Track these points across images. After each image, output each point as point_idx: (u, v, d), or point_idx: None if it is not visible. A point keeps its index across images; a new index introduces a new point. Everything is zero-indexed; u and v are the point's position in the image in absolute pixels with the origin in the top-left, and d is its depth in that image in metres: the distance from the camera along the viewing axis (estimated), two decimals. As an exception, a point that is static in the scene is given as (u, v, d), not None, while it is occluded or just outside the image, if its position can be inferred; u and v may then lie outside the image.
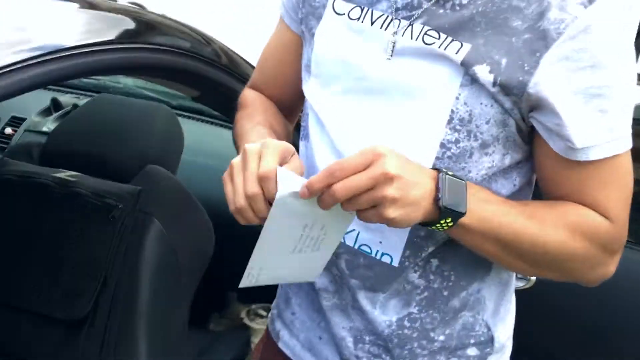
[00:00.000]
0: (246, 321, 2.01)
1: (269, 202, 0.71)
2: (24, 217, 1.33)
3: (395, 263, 0.85)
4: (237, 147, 0.95)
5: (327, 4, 0.88)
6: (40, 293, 1.26)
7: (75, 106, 2.08)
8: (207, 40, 1.28)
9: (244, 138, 0.89)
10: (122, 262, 1.23)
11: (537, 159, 0.84)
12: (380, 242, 0.86)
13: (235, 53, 1.36)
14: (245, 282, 0.77)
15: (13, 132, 2.05)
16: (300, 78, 0.95)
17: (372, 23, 0.83)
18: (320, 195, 0.70)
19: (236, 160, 0.75)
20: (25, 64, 0.85)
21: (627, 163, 0.80)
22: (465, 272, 0.88)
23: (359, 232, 0.86)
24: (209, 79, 1.24)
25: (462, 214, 0.74)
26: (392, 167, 0.68)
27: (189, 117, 2.14)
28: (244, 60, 1.38)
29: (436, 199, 0.73)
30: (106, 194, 1.29)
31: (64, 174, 1.34)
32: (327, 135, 0.87)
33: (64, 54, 0.91)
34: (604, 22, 0.73)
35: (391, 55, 0.81)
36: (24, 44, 0.87)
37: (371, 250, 0.86)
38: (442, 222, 0.74)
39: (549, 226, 0.78)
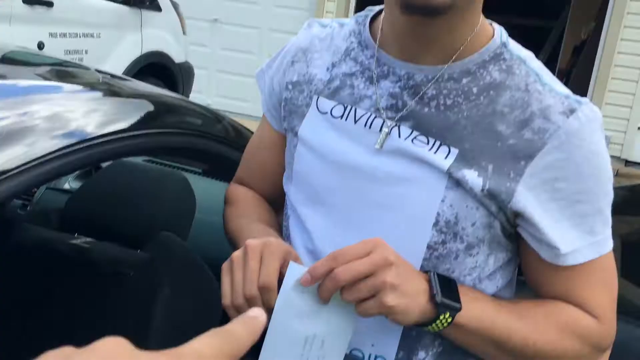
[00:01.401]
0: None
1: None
2: (41, 283, 1.38)
3: None
4: (233, 244, 0.94)
5: (311, 102, 0.88)
6: None
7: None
8: (218, 118, 1.35)
9: (242, 235, 0.87)
10: (133, 330, 1.28)
11: (524, 261, 0.86)
12: (373, 345, 0.84)
13: (242, 127, 1.43)
14: None
15: (35, 190, 2.13)
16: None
17: (355, 121, 0.84)
18: (322, 283, 0.71)
19: (237, 255, 0.75)
20: (59, 153, 0.91)
21: (611, 262, 0.83)
22: None
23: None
24: (218, 155, 1.30)
25: (459, 309, 0.75)
26: (392, 255, 0.71)
27: (204, 175, 2.20)
28: (251, 132, 1.45)
29: (432, 296, 0.74)
30: (119, 262, 1.35)
31: (80, 241, 1.40)
32: (310, 239, 0.86)
33: (91, 143, 0.97)
34: (585, 131, 0.77)
35: (380, 149, 0.81)
36: (57, 132, 0.94)
37: (363, 355, 0.84)
38: (440, 318, 0.75)
39: (540, 325, 0.80)
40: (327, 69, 0.89)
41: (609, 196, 0.80)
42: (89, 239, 1.41)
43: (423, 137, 0.80)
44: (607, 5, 6.50)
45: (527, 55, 0.83)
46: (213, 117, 1.34)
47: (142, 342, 1.35)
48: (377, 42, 0.86)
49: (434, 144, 0.79)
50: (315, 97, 0.88)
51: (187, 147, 1.21)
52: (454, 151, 0.78)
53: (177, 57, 5.15)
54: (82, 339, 1.40)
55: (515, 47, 0.84)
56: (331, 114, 0.86)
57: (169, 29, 5.06)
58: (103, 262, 1.34)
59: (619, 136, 6.42)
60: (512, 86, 0.79)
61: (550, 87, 0.79)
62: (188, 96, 5.15)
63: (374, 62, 0.85)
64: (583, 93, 6.85)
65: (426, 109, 0.80)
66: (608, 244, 0.81)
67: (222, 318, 1.43)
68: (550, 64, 9.19)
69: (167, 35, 5.03)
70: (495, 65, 0.81)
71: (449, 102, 0.80)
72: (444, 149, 0.79)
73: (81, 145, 0.95)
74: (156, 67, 4.88)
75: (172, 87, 5.01)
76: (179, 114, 1.25)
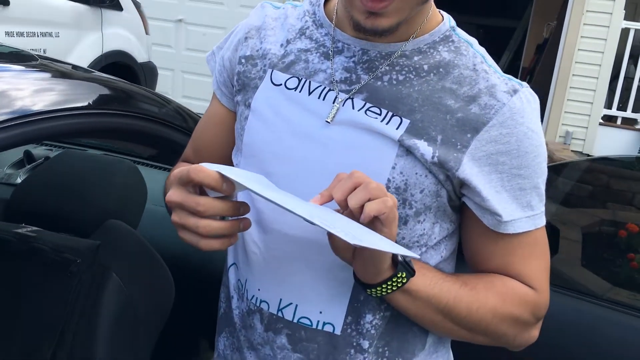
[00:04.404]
0: (215, 369, 2.02)
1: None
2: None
3: (338, 331, 0.86)
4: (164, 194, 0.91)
5: (265, 76, 0.90)
6: (-4, 349, 1.28)
7: (47, 159, 2.12)
8: (164, 101, 1.34)
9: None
10: (80, 317, 1.26)
11: (466, 234, 0.90)
12: (321, 312, 0.86)
13: (189, 111, 1.42)
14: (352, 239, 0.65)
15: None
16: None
17: (309, 93, 0.86)
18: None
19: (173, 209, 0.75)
20: (4, 125, 0.90)
21: (544, 236, 0.88)
22: (400, 348, 0.88)
23: (297, 305, 0.86)
24: (164, 139, 1.29)
25: (414, 273, 0.78)
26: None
27: (157, 167, 2.18)
28: (197, 116, 1.44)
29: (393, 255, 0.76)
30: (65, 249, 1.32)
31: (25, 230, 1.37)
32: (257, 210, 0.87)
33: (39, 117, 0.96)
34: (526, 110, 0.82)
35: (331, 121, 0.84)
36: (4, 108, 0.92)
37: (311, 322, 0.86)
38: (398, 275, 0.76)
39: (481, 293, 0.84)
40: (282, 45, 0.91)
41: (545, 174, 0.86)
42: (34, 228, 1.38)
43: (376, 108, 0.83)
44: (567, 4, 6.62)
45: (473, 40, 0.89)
46: (159, 100, 1.33)
47: (91, 326, 1.33)
48: (333, 21, 0.89)
49: (386, 115, 0.82)
50: (269, 70, 0.90)
51: (132, 129, 1.20)
52: (406, 122, 0.82)
53: (140, 56, 5.09)
54: (28, 327, 1.37)
55: (461, 32, 0.90)
56: (285, 85, 0.88)
57: (131, 28, 5.00)
58: (48, 250, 1.32)
59: (581, 132, 6.55)
60: (461, 65, 0.85)
61: (495, 69, 0.85)
62: (152, 96, 5.08)
63: (329, 40, 0.88)
64: (546, 90, 6.96)
65: (379, 83, 0.84)
66: (543, 219, 0.86)
67: (175, 304, 1.42)
68: (514, 62, 9.34)
69: (129, 34, 4.97)
70: (445, 46, 0.86)
71: (401, 77, 0.84)
72: (396, 119, 0.82)
73: (23, 120, 0.93)
74: (118, 67, 4.82)
75: (135, 86, 4.94)
76: (126, 97, 1.23)
